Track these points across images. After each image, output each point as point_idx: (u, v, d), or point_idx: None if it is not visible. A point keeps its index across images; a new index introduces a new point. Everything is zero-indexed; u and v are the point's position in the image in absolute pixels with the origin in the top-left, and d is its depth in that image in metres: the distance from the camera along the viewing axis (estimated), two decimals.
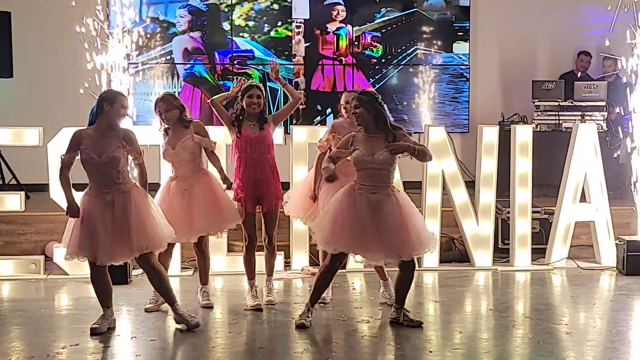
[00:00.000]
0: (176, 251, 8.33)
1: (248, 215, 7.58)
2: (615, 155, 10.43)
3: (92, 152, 6.68)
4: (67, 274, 8.66)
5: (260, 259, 7.83)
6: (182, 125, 7.35)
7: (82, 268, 8.65)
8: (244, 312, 7.50)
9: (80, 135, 6.80)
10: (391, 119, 7.05)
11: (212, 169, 7.70)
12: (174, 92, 12.12)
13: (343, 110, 7.60)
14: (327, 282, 7.19)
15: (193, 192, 7.33)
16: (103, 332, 6.79)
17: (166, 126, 7.38)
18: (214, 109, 7.66)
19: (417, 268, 7.40)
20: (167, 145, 7.33)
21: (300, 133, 9.03)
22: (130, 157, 6.93)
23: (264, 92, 7.60)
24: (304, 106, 12.23)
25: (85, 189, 6.84)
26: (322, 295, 7.26)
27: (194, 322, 6.87)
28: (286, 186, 8.57)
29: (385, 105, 7.01)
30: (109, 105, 6.77)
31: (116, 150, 6.73)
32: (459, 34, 12.46)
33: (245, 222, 7.63)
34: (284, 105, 9.39)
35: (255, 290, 7.74)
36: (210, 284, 8.28)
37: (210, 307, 7.64)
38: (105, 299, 6.97)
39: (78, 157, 6.75)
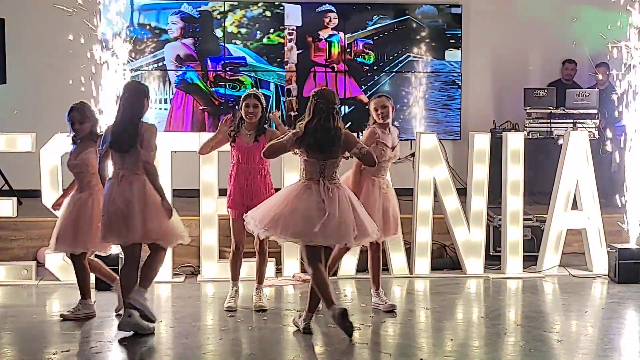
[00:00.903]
0: (168, 257, 8.33)
1: (237, 222, 7.63)
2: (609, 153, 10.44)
3: None
4: (59, 280, 8.65)
5: (251, 266, 7.86)
6: (90, 139, 7.35)
7: (69, 273, 8.71)
8: (235, 319, 7.52)
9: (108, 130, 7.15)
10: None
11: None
12: (165, 98, 12.16)
13: (377, 115, 7.62)
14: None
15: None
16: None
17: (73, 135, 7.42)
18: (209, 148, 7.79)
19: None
20: (71, 155, 7.39)
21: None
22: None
23: (262, 101, 7.64)
24: (296, 113, 12.25)
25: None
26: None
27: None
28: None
29: None
30: None
31: None
32: (451, 41, 12.49)
33: (234, 229, 7.74)
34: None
35: (235, 292, 7.86)
36: (203, 290, 8.32)
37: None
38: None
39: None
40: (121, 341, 6.84)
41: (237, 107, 7.77)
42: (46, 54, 11.43)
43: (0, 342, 6.86)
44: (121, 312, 7.24)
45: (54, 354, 6.47)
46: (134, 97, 7.10)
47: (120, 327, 6.85)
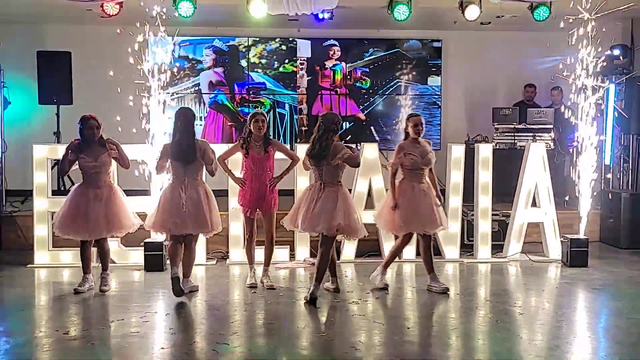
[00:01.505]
0: (202, 245, 8.41)
1: (248, 218, 7.79)
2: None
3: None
4: (115, 262, 8.65)
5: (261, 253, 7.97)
6: (101, 144, 7.37)
7: (127, 257, 8.75)
8: (257, 295, 7.54)
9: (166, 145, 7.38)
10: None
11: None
12: (200, 116, 12.21)
13: (413, 132, 7.64)
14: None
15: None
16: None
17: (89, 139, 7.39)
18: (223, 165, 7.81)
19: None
20: (87, 156, 7.32)
21: (303, 149, 9.02)
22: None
23: (266, 118, 7.75)
24: (306, 128, 12.29)
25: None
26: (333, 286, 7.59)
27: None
28: (291, 193, 8.66)
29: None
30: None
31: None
32: (433, 69, 12.51)
33: (247, 222, 7.87)
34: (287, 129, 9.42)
35: (254, 273, 7.93)
36: (231, 271, 8.35)
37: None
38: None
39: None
40: (167, 313, 6.90)
41: (246, 123, 7.81)
42: (104, 79, 11.45)
43: (68, 312, 6.90)
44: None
45: (111, 322, 6.54)
46: (188, 120, 7.32)
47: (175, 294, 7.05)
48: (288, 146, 9.43)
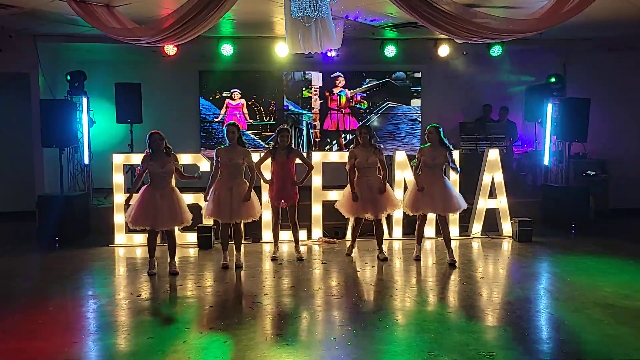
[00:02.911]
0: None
1: (275, 208, 7.89)
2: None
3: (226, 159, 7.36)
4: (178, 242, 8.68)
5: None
6: (167, 154, 7.24)
7: (184, 238, 8.77)
8: (282, 266, 7.57)
9: (219, 150, 7.45)
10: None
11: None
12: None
13: (427, 139, 7.73)
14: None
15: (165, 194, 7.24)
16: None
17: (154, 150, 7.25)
18: (258, 169, 7.86)
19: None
20: (155, 164, 7.17)
21: (317, 156, 9.06)
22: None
23: (290, 132, 7.81)
24: (320, 139, 12.31)
25: (217, 179, 7.45)
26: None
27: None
28: (307, 189, 8.68)
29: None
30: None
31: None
32: (414, 94, 12.48)
33: (273, 211, 7.98)
34: (304, 140, 9.45)
35: (277, 249, 8.07)
36: (262, 248, 8.37)
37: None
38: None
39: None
40: (215, 280, 6.95)
41: (274, 136, 7.90)
42: (167, 103, 11.56)
43: (140, 280, 6.98)
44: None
45: (172, 288, 6.61)
46: (235, 134, 7.44)
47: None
48: (305, 154, 9.44)
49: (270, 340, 4.97)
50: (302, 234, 8.84)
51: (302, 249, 8.33)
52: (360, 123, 11.77)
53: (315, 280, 6.94)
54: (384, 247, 8.05)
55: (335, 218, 8.55)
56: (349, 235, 8.66)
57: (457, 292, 6.42)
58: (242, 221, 7.56)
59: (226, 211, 7.33)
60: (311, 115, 12.41)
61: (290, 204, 7.79)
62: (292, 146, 7.86)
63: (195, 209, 7.75)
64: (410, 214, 7.84)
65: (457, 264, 7.52)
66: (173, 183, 7.31)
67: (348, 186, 7.78)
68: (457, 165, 7.92)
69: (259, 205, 7.62)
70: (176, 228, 7.49)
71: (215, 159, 7.45)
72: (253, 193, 7.48)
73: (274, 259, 7.85)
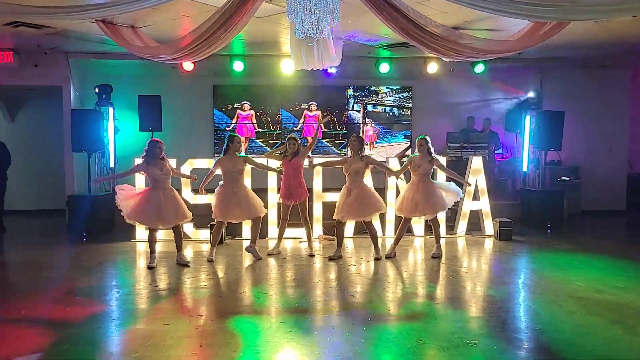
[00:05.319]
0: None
1: (285, 205, 7.79)
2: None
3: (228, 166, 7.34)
4: (190, 237, 8.67)
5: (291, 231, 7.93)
6: (163, 159, 7.17)
7: (198, 234, 8.74)
8: (286, 260, 7.53)
9: (220, 159, 7.43)
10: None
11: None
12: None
13: (418, 149, 7.67)
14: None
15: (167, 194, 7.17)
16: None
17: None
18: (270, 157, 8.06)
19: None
20: (154, 168, 7.09)
21: (318, 160, 9.02)
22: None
23: (298, 140, 7.80)
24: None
25: (220, 185, 7.44)
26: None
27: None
28: (309, 191, 8.64)
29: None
30: (231, 142, 7.41)
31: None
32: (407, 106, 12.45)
33: (283, 209, 7.87)
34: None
35: (277, 244, 7.99)
36: (269, 243, 8.31)
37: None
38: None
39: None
40: (225, 272, 6.91)
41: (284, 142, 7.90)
42: (184, 113, 11.54)
43: (159, 272, 6.95)
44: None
45: (187, 279, 6.58)
46: (241, 144, 7.56)
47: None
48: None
49: (274, 327, 4.93)
50: (303, 232, 8.79)
51: (304, 245, 8.28)
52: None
53: (316, 273, 6.89)
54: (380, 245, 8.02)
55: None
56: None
57: (444, 285, 6.37)
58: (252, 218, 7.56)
59: (236, 212, 7.35)
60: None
61: (298, 202, 7.74)
62: (300, 149, 7.82)
63: (207, 208, 7.72)
64: (400, 215, 7.79)
65: (442, 258, 7.50)
66: (170, 184, 7.24)
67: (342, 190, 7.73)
68: (458, 177, 7.90)
69: (262, 204, 7.56)
70: (183, 223, 7.47)
71: (214, 166, 7.48)
72: (252, 192, 7.52)
73: (270, 255, 7.77)
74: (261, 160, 8.18)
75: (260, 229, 7.60)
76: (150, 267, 7.07)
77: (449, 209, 9.16)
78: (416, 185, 7.57)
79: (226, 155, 7.43)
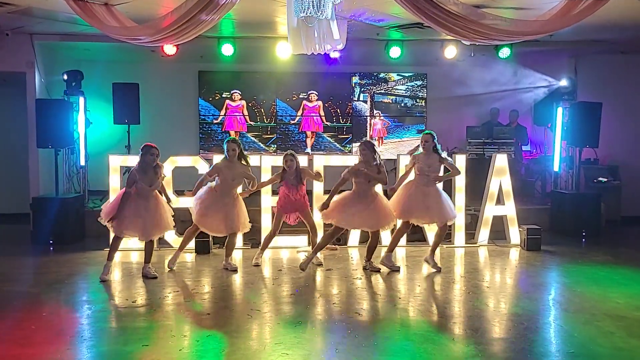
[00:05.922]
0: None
1: (278, 217, 7.89)
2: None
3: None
4: (172, 246, 8.67)
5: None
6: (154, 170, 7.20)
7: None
8: (282, 272, 7.57)
9: (218, 164, 7.59)
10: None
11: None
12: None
13: (422, 146, 7.67)
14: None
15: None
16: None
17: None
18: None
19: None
20: (144, 178, 7.15)
21: (319, 159, 9.05)
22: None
23: (295, 157, 7.87)
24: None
25: (209, 186, 7.59)
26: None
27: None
28: (309, 194, 8.68)
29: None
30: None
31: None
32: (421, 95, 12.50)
33: (276, 218, 7.95)
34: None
35: (260, 256, 8.06)
36: (263, 253, 8.35)
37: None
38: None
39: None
40: (212, 286, 6.94)
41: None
42: (164, 107, 11.57)
43: (136, 285, 6.97)
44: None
45: (168, 293, 6.60)
46: (235, 151, 7.56)
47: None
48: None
49: (268, 349, 4.94)
50: (304, 240, 8.84)
51: (302, 255, 8.31)
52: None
53: (316, 287, 6.93)
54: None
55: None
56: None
57: (463, 302, 6.39)
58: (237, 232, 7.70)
59: (214, 225, 7.55)
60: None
61: (304, 213, 7.89)
62: (299, 165, 7.91)
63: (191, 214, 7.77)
64: (400, 220, 7.77)
65: (461, 271, 7.56)
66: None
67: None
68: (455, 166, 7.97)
69: (247, 219, 7.71)
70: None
71: (212, 170, 7.58)
72: (243, 205, 7.66)
73: (256, 265, 7.87)
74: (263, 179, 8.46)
75: (236, 243, 7.87)
76: (102, 280, 7.08)
77: (467, 213, 9.27)
78: (425, 187, 7.56)
79: (225, 161, 7.58)
